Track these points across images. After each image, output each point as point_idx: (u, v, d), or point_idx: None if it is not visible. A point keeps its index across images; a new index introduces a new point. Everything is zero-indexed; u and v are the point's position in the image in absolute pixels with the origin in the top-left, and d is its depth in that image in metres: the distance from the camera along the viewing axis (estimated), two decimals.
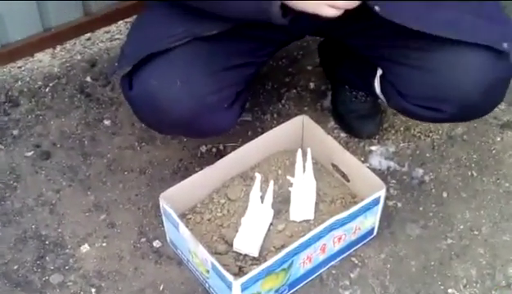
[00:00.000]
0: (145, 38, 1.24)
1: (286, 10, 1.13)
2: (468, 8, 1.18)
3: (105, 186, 1.52)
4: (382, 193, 1.31)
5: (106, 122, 1.66)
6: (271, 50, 1.41)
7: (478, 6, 1.20)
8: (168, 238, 1.39)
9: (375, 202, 1.32)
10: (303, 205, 1.35)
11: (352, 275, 1.35)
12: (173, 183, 1.40)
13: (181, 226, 1.25)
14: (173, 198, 1.31)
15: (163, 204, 1.28)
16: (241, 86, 1.32)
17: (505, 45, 1.16)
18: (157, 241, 1.41)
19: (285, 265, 1.23)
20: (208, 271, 1.24)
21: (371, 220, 1.36)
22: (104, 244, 1.41)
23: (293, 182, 1.37)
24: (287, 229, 1.34)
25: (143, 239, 1.41)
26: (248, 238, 1.30)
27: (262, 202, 1.34)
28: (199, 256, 1.25)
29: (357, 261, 1.37)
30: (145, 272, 1.35)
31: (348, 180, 1.42)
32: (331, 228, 1.27)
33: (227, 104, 1.27)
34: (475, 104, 1.22)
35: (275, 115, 1.67)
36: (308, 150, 1.38)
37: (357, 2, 1.14)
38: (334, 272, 1.35)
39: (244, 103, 1.40)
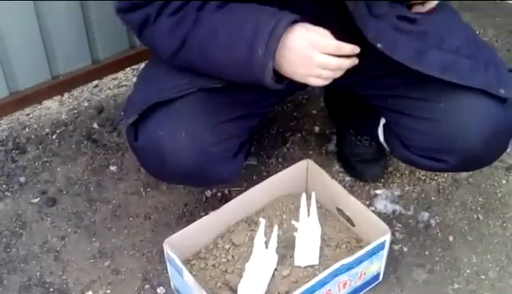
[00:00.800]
0: (151, 88, 1.26)
1: (281, 75, 1.16)
2: (465, 52, 1.20)
3: (110, 232, 1.52)
4: (387, 238, 1.30)
5: (112, 168, 1.67)
6: (275, 100, 1.43)
7: (475, 50, 1.21)
8: (172, 285, 1.38)
9: (381, 246, 1.31)
10: (307, 250, 1.35)
11: None
12: (178, 228, 1.40)
13: (185, 272, 1.25)
14: (178, 243, 1.31)
15: (167, 250, 1.28)
16: (245, 137, 1.34)
17: (502, 91, 1.16)
18: (161, 287, 1.40)
19: None
20: None
21: (377, 265, 1.34)
22: (108, 291, 1.40)
23: (297, 227, 1.36)
24: (292, 275, 1.33)
25: (147, 286, 1.41)
26: (252, 284, 1.29)
27: (266, 247, 1.34)
28: None
29: None
30: None
31: (354, 225, 1.41)
32: (336, 273, 1.26)
33: (231, 154, 1.28)
34: (479, 153, 1.21)
35: (280, 159, 1.68)
36: (313, 194, 1.38)
37: (341, 73, 1.16)
38: None
39: (248, 152, 1.41)
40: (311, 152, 1.70)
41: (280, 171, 1.54)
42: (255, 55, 1.11)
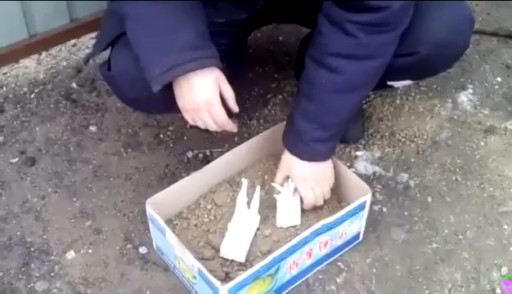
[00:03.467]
0: (115, 21, 1.24)
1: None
2: None
3: (90, 192, 1.51)
4: (368, 198, 1.32)
5: (92, 128, 1.65)
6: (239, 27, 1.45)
7: None
8: (154, 245, 1.38)
9: (361, 206, 1.32)
10: (289, 211, 1.36)
11: (338, 280, 1.36)
12: (160, 189, 1.40)
13: (168, 232, 1.25)
14: (160, 203, 1.31)
15: (150, 210, 1.28)
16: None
17: None
18: (143, 247, 1.40)
19: (272, 271, 1.23)
20: (194, 277, 1.24)
21: (357, 225, 1.36)
22: (89, 251, 1.40)
23: (278, 189, 1.37)
24: (274, 235, 1.34)
25: (129, 246, 1.41)
26: (234, 244, 1.30)
27: (248, 207, 1.34)
28: (185, 262, 1.24)
29: (343, 266, 1.38)
30: (131, 278, 1.35)
31: (334, 185, 1.42)
32: (317, 233, 1.27)
33: None
34: (445, 39, 1.28)
35: (261, 121, 1.68)
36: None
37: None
38: (320, 277, 1.35)
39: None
40: None
41: (261, 132, 1.55)
42: (151, 68, 1.13)
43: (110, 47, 1.28)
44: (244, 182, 1.34)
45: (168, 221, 1.36)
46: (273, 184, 1.38)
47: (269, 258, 1.20)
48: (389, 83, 1.42)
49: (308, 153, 1.32)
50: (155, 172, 1.55)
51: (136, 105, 1.40)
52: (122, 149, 1.61)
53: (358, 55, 1.21)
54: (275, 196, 1.37)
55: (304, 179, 1.34)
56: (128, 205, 1.49)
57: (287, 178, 1.37)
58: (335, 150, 1.37)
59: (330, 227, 1.29)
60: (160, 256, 1.37)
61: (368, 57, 1.21)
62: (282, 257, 1.23)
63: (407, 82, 1.46)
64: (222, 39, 1.31)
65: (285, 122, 1.45)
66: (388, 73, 1.27)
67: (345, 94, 1.26)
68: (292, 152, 1.33)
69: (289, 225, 1.36)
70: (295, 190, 1.37)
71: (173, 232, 1.28)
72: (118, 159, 1.59)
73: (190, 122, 1.19)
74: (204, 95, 1.14)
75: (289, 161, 1.34)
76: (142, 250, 1.40)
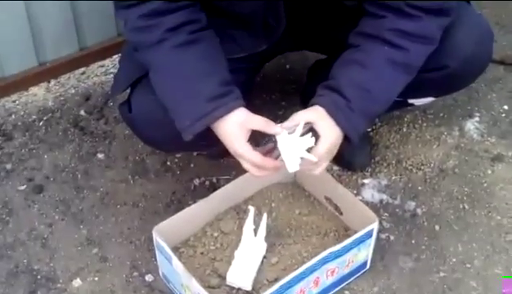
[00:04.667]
0: (136, 62, 1.25)
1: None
2: None
3: (97, 220, 1.52)
4: (375, 226, 1.32)
5: (100, 156, 1.66)
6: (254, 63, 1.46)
7: None
8: (160, 272, 1.38)
9: (368, 234, 1.32)
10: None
11: None
12: (167, 216, 1.40)
13: (175, 260, 1.25)
14: (166, 231, 1.31)
15: (157, 237, 1.28)
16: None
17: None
18: (149, 275, 1.40)
19: None
20: None
21: (364, 253, 1.36)
22: (96, 278, 1.40)
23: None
24: (280, 263, 1.34)
25: (135, 273, 1.40)
26: (241, 272, 1.29)
27: (255, 235, 1.34)
28: (192, 290, 1.24)
29: None
30: None
31: (341, 213, 1.42)
32: (325, 261, 1.27)
33: None
34: (472, 53, 1.30)
35: None
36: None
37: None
38: None
39: None
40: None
41: None
42: (181, 120, 1.16)
43: (130, 89, 1.29)
44: (251, 210, 1.34)
45: (175, 249, 1.36)
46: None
47: (276, 286, 1.20)
48: (411, 101, 1.43)
49: (349, 122, 1.19)
50: (162, 200, 1.56)
51: (157, 146, 1.42)
52: (129, 177, 1.61)
53: (418, 35, 1.19)
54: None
55: (333, 148, 1.21)
56: (134, 232, 1.49)
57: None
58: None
59: (337, 255, 1.28)
60: (166, 284, 1.37)
61: (426, 39, 1.20)
62: (289, 285, 1.22)
63: (429, 100, 1.47)
64: (240, 77, 1.33)
65: None
66: (413, 89, 1.26)
67: (399, 70, 1.20)
68: (333, 114, 1.18)
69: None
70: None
71: (179, 259, 1.28)
72: (125, 187, 1.59)
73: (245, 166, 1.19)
74: (232, 147, 1.16)
75: (322, 119, 1.18)
76: (148, 278, 1.40)
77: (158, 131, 1.27)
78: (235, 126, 1.15)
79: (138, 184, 1.60)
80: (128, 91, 1.30)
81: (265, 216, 1.35)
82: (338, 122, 1.18)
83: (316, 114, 1.20)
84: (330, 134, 1.19)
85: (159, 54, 1.16)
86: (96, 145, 1.69)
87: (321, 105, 1.20)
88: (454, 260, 1.44)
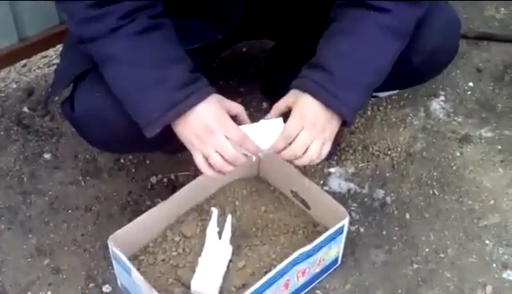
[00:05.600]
0: (79, 56, 1.14)
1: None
2: None
3: (47, 227, 1.40)
4: (346, 222, 1.24)
5: (47, 156, 1.54)
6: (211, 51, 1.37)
7: None
8: (119, 282, 1.28)
9: (339, 231, 1.25)
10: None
11: None
12: (122, 219, 1.32)
13: (134, 271, 1.15)
14: (123, 239, 1.21)
15: (113, 247, 1.18)
16: None
17: None
18: (107, 285, 1.30)
19: None
20: None
21: (335, 250, 1.29)
22: (49, 292, 1.29)
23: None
24: (248, 266, 1.26)
25: (92, 285, 1.30)
26: (206, 279, 1.21)
27: (219, 238, 1.25)
28: None
29: None
30: None
31: (309, 208, 1.35)
32: (295, 262, 1.19)
33: None
34: (437, 45, 1.22)
35: None
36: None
37: (229, 169, 1.09)
38: None
39: None
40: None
41: None
42: (147, 112, 1.05)
43: (72, 84, 1.17)
44: (214, 211, 1.25)
45: (133, 257, 1.27)
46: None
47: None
48: (374, 94, 1.36)
49: (335, 97, 1.07)
50: (117, 201, 1.45)
51: (105, 147, 1.29)
52: (80, 178, 1.50)
53: None
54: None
55: (314, 123, 1.08)
56: (88, 239, 1.38)
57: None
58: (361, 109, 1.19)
59: (307, 255, 1.21)
60: None
61: (415, 2, 1.11)
62: (258, 292, 1.14)
63: (394, 92, 1.39)
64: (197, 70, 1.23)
65: None
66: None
67: (389, 35, 1.09)
68: (319, 96, 1.08)
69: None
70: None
71: (139, 269, 1.20)
72: (76, 189, 1.48)
73: (200, 161, 1.07)
74: (214, 115, 1.05)
75: (303, 99, 1.09)
76: (106, 289, 1.30)
77: (104, 132, 1.14)
78: (217, 108, 1.06)
79: (90, 185, 1.49)
80: (71, 87, 1.18)
81: (229, 217, 1.26)
82: (320, 99, 1.07)
83: (293, 97, 1.11)
84: (304, 107, 1.08)
85: (115, 43, 1.03)
86: (42, 145, 1.56)
87: (297, 87, 1.10)
88: (427, 250, 1.38)
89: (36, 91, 1.67)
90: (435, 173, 1.52)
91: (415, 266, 1.35)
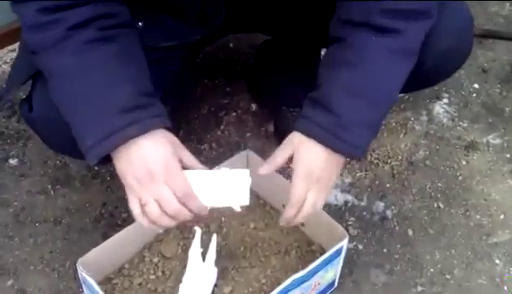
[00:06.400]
0: None
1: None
2: None
3: (11, 243, 1.26)
4: (344, 244, 1.11)
5: (12, 162, 1.40)
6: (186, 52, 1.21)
7: None
8: None
9: (337, 253, 1.12)
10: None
11: None
12: (95, 234, 1.20)
13: None
14: (95, 260, 1.07)
15: (82, 272, 1.04)
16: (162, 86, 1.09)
17: None
18: None
19: None
20: None
21: (332, 273, 1.16)
22: None
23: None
24: (235, 292, 1.12)
25: None
26: None
27: (203, 259, 1.12)
28: None
29: None
30: None
31: (303, 224, 1.22)
32: (287, 290, 1.06)
33: None
34: (451, 46, 1.10)
35: (213, 144, 1.45)
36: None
37: (169, 224, 0.93)
38: None
39: (174, 111, 1.19)
40: (248, 134, 1.48)
41: (214, 157, 1.33)
42: (83, 139, 0.89)
43: (31, 81, 1.03)
44: (198, 231, 1.11)
45: (106, 280, 1.13)
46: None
47: None
48: None
49: (344, 142, 0.94)
50: (90, 213, 1.31)
51: (63, 152, 1.15)
52: (49, 186, 1.36)
53: (414, 10, 0.95)
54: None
55: (309, 173, 0.96)
56: (57, 257, 1.24)
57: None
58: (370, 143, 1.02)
59: (301, 281, 1.08)
60: None
61: (424, 13, 0.97)
62: None
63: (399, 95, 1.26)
64: (174, 66, 1.08)
65: (242, 153, 1.24)
66: None
67: (400, 60, 0.96)
68: (317, 137, 0.95)
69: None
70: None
71: (113, 293, 1.05)
72: (44, 199, 1.33)
73: (134, 206, 0.90)
74: (160, 158, 0.87)
75: (308, 146, 0.96)
76: None
77: (62, 135, 0.98)
78: (166, 152, 0.88)
79: (60, 195, 1.34)
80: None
81: (214, 236, 1.12)
82: (329, 146, 0.95)
83: (294, 144, 0.97)
84: (311, 161, 0.95)
85: (59, 56, 0.88)
86: (8, 149, 1.41)
87: (301, 131, 0.96)
88: (432, 270, 1.26)
89: (2, 89, 1.52)
90: (439, 184, 1.40)
91: (420, 289, 1.23)
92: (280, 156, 0.99)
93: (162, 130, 0.89)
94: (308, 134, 0.95)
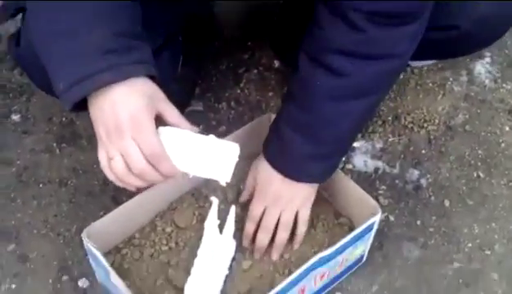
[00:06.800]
0: None
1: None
2: None
3: (14, 205, 1.17)
4: (377, 219, 1.00)
5: (15, 117, 1.30)
6: None
7: None
8: (97, 277, 1.05)
9: (368, 229, 1.01)
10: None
11: None
12: (104, 197, 1.13)
13: (113, 275, 0.92)
14: (102, 229, 0.97)
15: (88, 244, 0.94)
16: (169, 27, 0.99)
17: None
18: (83, 279, 1.08)
19: None
20: None
21: (361, 249, 1.05)
22: (13, 286, 1.07)
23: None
24: (255, 268, 1.02)
25: (65, 277, 1.08)
26: (203, 284, 0.97)
27: (220, 232, 1.01)
28: None
29: None
30: None
31: (331, 195, 1.11)
32: (313, 268, 0.96)
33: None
34: (490, 13, 1.01)
35: (232, 103, 1.34)
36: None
37: (138, 184, 0.82)
38: None
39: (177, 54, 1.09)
40: (270, 93, 1.36)
41: (232, 117, 1.22)
42: (55, 83, 0.77)
43: (22, 15, 0.93)
44: (215, 201, 1.00)
45: (115, 250, 1.03)
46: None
47: None
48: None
49: (297, 173, 0.98)
50: (98, 175, 1.21)
51: (49, 91, 1.04)
52: (54, 145, 1.26)
53: (367, 54, 0.88)
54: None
55: (276, 198, 1.00)
56: (62, 221, 1.15)
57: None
58: (335, 170, 1.03)
59: (329, 259, 0.97)
60: (106, 292, 1.04)
61: (380, 57, 0.88)
62: None
63: (429, 62, 1.14)
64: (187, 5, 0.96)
65: (264, 116, 1.13)
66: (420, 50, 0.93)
67: (349, 101, 0.92)
68: (275, 166, 0.99)
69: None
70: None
71: (121, 265, 0.96)
72: (49, 158, 1.24)
73: (102, 159, 0.80)
74: (130, 110, 0.76)
75: (264, 172, 1.01)
76: (82, 283, 1.07)
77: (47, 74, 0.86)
78: (139, 103, 0.77)
79: (66, 154, 1.24)
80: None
81: (233, 208, 1.01)
82: (280, 172, 0.99)
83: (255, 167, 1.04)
84: (265, 183, 1.01)
85: None
86: (10, 104, 1.31)
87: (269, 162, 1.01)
88: (470, 245, 1.15)
89: (3, 40, 1.41)
90: (480, 151, 1.28)
91: (456, 265, 1.12)
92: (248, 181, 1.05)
93: (143, 78, 0.77)
94: (272, 163, 0.99)
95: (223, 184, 0.84)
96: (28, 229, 1.14)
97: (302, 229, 1.03)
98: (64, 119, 1.29)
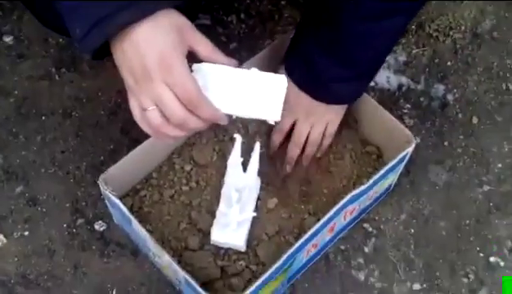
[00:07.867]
0: None
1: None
2: None
3: (16, 141, 1.09)
4: (410, 150, 0.95)
5: (7, 40, 1.18)
6: None
7: None
8: (115, 219, 1.00)
9: (401, 160, 0.96)
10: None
11: (366, 249, 1.02)
12: (112, 129, 1.05)
13: (135, 224, 0.87)
14: (119, 171, 0.91)
15: (105, 191, 0.88)
16: None
17: None
18: (100, 222, 1.02)
19: (286, 266, 0.88)
20: (179, 281, 0.89)
21: (391, 179, 1.01)
22: (25, 233, 1.01)
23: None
24: (281, 206, 0.97)
25: (80, 221, 1.02)
26: (229, 226, 0.92)
27: (244, 170, 0.95)
28: (164, 262, 0.88)
29: (370, 229, 1.03)
30: (88, 271, 0.98)
31: (357, 121, 1.04)
32: (344, 206, 0.91)
33: None
34: None
35: (242, 15, 1.23)
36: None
37: (177, 134, 0.72)
38: (343, 248, 1.02)
39: None
40: (283, 1, 1.24)
41: (242, 33, 1.12)
42: (72, 28, 0.68)
43: None
44: (238, 139, 0.93)
45: (134, 192, 0.98)
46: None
47: (284, 257, 0.85)
48: None
49: (326, 95, 0.95)
50: (104, 104, 1.12)
51: (60, 31, 0.93)
52: (53, 70, 1.15)
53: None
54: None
55: (308, 114, 0.97)
56: (70, 158, 1.07)
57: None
58: (364, 91, 0.99)
59: (360, 195, 0.92)
60: (124, 233, 1.00)
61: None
62: (300, 248, 0.87)
63: None
64: None
65: (285, 35, 1.03)
66: None
67: (381, 20, 0.84)
68: (303, 89, 0.94)
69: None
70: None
71: (141, 208, 0.92)
72: (49, 86, 1.14)
73: (135, 111, 0.71)
74: (157, 50, 0.66)
75: (292, 89, 0.93)
76: (99, 226, 1.01)
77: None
78: (168, 39, 0.67)
79: (67, 80, 1.15)
80: None
81: (257, 144, 0.95)
82: (309, 94, 0.95)
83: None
84: (296, 99, 0.96)
85: None
86: (1, 23, 1.19)
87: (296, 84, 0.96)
88: (500, 165, 1.10)
89: None
90: (508, 61, 1.20)
91: (486, 188, 1.08)
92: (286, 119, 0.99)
93: (167, 10, 0.67)
94: (298, 84, 0.95)
95: (272, 123, 0.76)
96: (34, 168, 1.06)
97: (326, 142, 1.01)
98: (61, 40, 1.18)
